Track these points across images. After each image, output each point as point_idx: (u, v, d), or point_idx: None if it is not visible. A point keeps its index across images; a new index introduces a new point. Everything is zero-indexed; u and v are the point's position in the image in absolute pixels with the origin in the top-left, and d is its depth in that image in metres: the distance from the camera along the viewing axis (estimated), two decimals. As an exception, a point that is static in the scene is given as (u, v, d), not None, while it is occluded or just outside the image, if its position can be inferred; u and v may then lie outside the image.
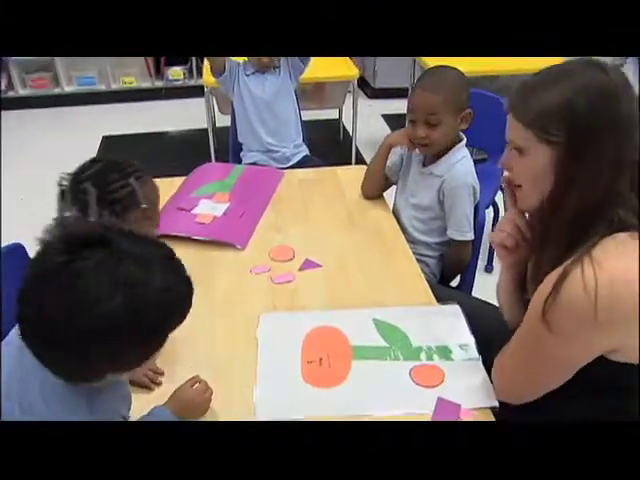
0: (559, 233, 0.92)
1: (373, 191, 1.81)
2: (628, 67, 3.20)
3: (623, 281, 0.82)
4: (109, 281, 0.69)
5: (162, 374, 1.16)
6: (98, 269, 0.70)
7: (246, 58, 2.36)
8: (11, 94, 4.32)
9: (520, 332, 1.00)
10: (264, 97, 2.30)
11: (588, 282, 0.82)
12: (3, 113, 4.18)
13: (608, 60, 0.91)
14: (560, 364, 0.94)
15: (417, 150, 1.66)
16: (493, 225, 2.64)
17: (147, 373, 1.14)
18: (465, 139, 1.62)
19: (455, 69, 1.58)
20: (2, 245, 1.38)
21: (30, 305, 0.71)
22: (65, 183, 1.21)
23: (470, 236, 1.61)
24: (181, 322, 0.80)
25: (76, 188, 1.19)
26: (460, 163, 1.59)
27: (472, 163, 1.62)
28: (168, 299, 0.76)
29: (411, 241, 1.65)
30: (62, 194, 1.21)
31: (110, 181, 1.18)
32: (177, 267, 0.80)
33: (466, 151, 1.62)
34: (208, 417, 1.08)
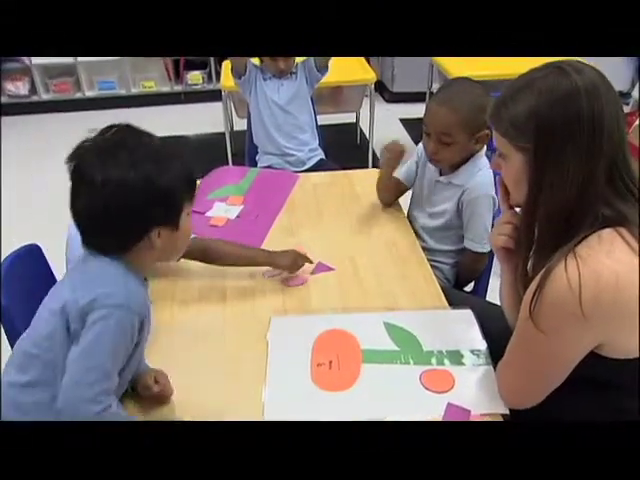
0: (542, 234, 0.95)
1: (388, 199, 1.79)
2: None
3: (609, 275, 0.84)
4: (148, 161, 0.92)
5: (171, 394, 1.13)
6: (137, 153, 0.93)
7: (262, 62, 2.37)
8: (34, 98, 4.40)
9: (514, 335, 1.01)
10: (279, 101, 2.31)
11: (572, 277, 0.85)
12: (26, 117, 4.27)
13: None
14: (553, 362, 0.95)
15: None
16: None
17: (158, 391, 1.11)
18: (484, 148, 1.58)
19: (477, 84, 1.51)
20: (19, 246, 1.41)
21: (109, 196, 0.89)
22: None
23: (488, 247, 1.58)
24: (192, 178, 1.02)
25: None
26: (481, 173, 1.55)
27: (492, 173, 1.57)
28: (166, 163, 0.95)
29: (426, 249, 1.63)
30: None
31: None
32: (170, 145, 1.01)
33: (486, 161, 1.58)
34: (217, 417, 1.08)
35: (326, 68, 2.34)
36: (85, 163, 0.92)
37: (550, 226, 0.93)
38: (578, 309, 0.85)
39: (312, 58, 2.31)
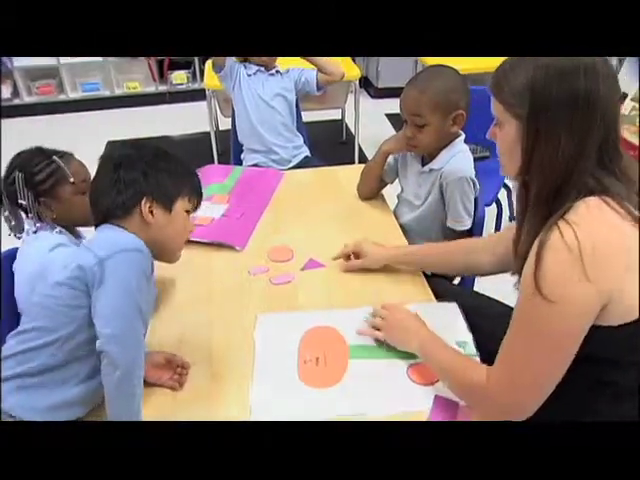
0: (533, 203, 0.97)
1: (368, 193, 1.81)
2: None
3: (603, 234, 0.87)
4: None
5: (187, 371, 1.17)
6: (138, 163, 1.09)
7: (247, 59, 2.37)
8: (17, 101, 4.36)
9: (515, 323, 0.97)
10: (263, 96, 2.31)
11: (570, 242, 0.86)
12: (9, 121, 4.22)
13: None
14: (565, 336, 0.92)
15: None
16: (496, 222, 2.63)
17: (173, 377, 1.15)
18: (463, 135, 1.60)
19: (451, 68, 1.54)
20: (1, 250, 1.39)
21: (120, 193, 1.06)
22: None
23: (465, 226, 1.61)
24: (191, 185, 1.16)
25: (7, 182, 1.31)
26: (457, 156, 1.57)
27: (471, 157, 1.60)
28: (169, 158, 1.13)
29: (414, 242, 1.64)
30: None
31: (35, 163, 1.31)
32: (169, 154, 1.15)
33: (464, 146, 1.60)
34: (205, 416, 1.08)
35: (323, 88, 2.39)
36: (108, 154, 1.11)
37: (540, 196, 0.95)
38: (582, 271, 0.86)
39: (315, 74, 2.34)
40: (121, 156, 1.08)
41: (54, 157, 1.32)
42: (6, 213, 1.34)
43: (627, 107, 2.55)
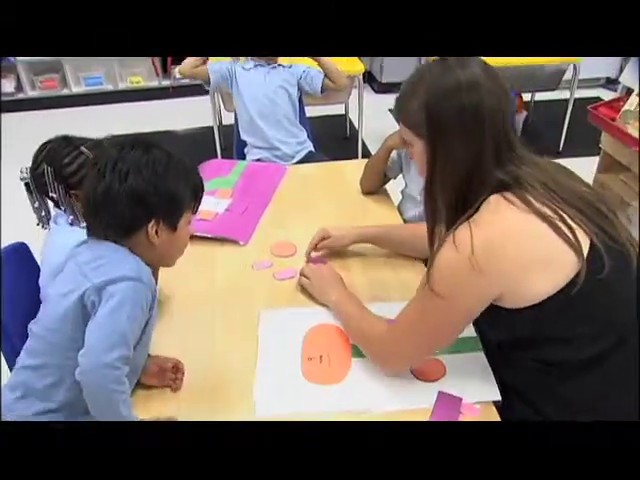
0: (446, 210, 1.02)
1: (371, 188, 1.81)
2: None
3: (495, 228, 0.94)
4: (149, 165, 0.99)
5: (182, 374, 1.15)
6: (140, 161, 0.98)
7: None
8: (20, 96, 4.35)
9: (413, 302, 1.08)
10: (265, 90, 2.30)
11: (463, 240, 0.93)
12: (13, 115, 4.22)
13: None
14: (449, 324, 1.04)
15: None
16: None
17: (170, 377, 1.14)
18: None
19: None
20: (6, 244, 1.39)
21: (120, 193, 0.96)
22: (26, 175, 1.28)
23: None
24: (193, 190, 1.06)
25: (36, 175, 1.28)
26: None
27: None
28: (178, 166, 1.03)
29: None
30: (27, 186, 1.30)
31: (63, 155, 1.27)
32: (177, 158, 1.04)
33: None
34: (208, 412, 1.08)
35: (325, 92, 2.38)
36: (104, 152, 1.02)
37: (450, 203, 1.01)
38: (472, 267, 0.92)
39: (322, 76, 2.33)
40: (128, 161, 0.97)
41: (82, 148, 1.29)
42: (36, 204, 1.32)
43: (633, 102, 2.53)
